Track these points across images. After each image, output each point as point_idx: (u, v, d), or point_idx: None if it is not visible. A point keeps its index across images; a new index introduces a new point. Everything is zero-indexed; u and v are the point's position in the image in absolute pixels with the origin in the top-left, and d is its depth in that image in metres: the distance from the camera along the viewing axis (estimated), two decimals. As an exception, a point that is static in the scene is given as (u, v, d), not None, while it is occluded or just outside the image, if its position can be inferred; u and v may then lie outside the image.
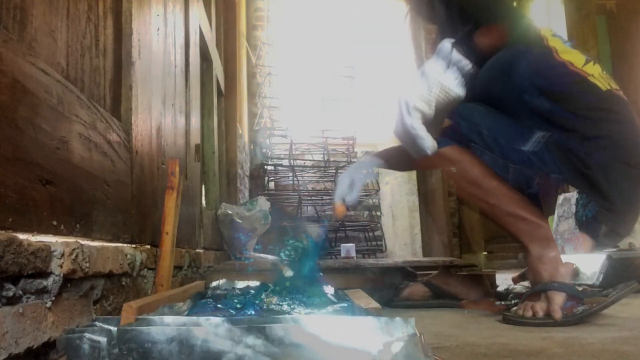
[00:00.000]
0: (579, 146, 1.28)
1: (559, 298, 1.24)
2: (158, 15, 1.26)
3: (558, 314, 1.20)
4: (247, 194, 3.56)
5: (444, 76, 1.30)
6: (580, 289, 1.29)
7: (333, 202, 1.36)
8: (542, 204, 1.41)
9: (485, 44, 1.31)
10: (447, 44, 1.33)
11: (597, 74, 1.32)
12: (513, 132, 1.31)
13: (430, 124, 1.33)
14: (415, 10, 1.65)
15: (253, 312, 0.77)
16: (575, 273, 1.41)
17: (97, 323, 0.60)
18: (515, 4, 1.47)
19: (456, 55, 1.30)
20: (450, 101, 1.31)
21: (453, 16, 1.47)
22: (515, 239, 1.36)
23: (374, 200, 4.28)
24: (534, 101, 1.27)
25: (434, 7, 1.51)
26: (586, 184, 1.30)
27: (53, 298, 0.63)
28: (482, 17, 1.37)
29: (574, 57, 1.33)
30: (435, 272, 1.90)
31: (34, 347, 0.58)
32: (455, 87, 1.30)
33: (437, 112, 1.31)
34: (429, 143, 1.31)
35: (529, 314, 1.25)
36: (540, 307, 1.24)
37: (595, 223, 1.40)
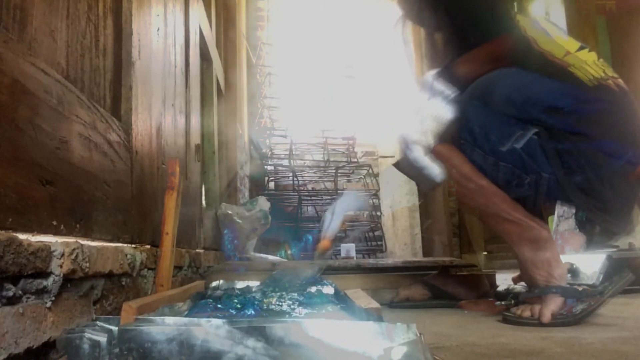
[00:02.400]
0: (566, 142, 1.24)
1: (556, 302, 1.23)
2: (158, 15, 1.26)
3: (546, 318, 1.20)
4: (247, 194, 3.56)
5: (431, 107, 1.37)
6: (580, 289, 1.29)
7: (319, 239, 1.40)
8: (541, 204, 1.40)
9: (463, 74, 1.37)
10: (428, 77, 1.41)
11: (577, 64, 1.29)
12: (505, 129, 1.29)
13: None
14: (414, 18, 1.64)
15: (253, 312, 0.77)
16: (575, 272, 1.41)
17: (98, 323, 0.60)
18: (515, 4, 1.45)
19: (438, 86, 1.37)
20: (444, 126, 1.38)
21: (451, 23, 1.46)
22: (505, 240, 1.35)
23: (374, 200, 4.28)
24: (518, 113, 1.26)
25: (436, 14, 1.50)
26: (575, 184, 1.26)
27: (53, 298, 0.63)
28: (467, 17, 1.38)
29: (554, 47, 1.31)
30: (434, 272, 1.90)
31: (34, 347, 0.58)
32: (444, 113, 1.36)
33: (436, 137, 1.38)
34: (435, 171, 1.37)
35: (527, 314, 1.25)
36: (538, 308, 1.23)
37: (589, 222, 1.38)
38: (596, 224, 1.36)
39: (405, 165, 1.42)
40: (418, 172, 1.39)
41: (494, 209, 1.32)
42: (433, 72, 1.42)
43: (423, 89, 1.40)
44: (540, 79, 1.29)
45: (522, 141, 1.26)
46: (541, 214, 1.36)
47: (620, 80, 1.33)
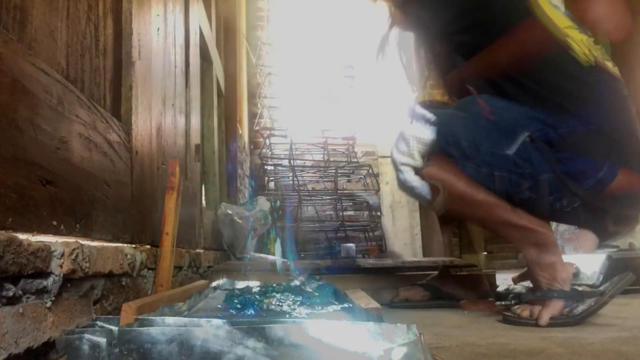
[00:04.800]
0: (555, 129, 1.23)
1: (556, 306, 1.23)
2: (158, 15, 1.25)
3: (543, 321, 1.20)
4: (247, 194, 3.56)
5: (414, 129, 1.37)
6: (580, 289, 1.29)
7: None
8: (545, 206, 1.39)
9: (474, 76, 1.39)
10: (410, 102, 1.46)
11: (577, 38, 1.27)
12: (495, 136, 1.26)
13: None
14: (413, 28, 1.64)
15: (253, 312, 0.77)
16: (575, 273, 1.40)
17: (97, 323, 0.60)
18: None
19: (419, 110, 1.38)
20: (429, 147, 1.37)
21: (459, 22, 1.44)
22: (511, 244, 1.35)
23: (374, 200, 4.28)
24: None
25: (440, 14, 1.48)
26: (566, 182, 1.25)
27: (53, 298, 0.63)
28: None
29: (558, 16, 1.29)
30: (434, 272, 1.90)
31: (34, 347, 0.58)
32: (427, 135, 1.35)
33: (423, 157, 1.38)
34: (425, 190, 1.37)
35: (527, 314, 1.24)
36: (538, 309, 1.23)
37: (597, 219, 1.36)
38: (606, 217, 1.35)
39: (400, 186, 1.44)
40: (411, 192, 1.40)
41: (496, 219, 1.31)
42: (414, 95, 1.47)
43: (406, 114, 1.42)
44: (509, 106, 1.29)
45: (515, 145, 1.25)
46: (544, 216, 1.36)
47: (609, 64, 1.30)
